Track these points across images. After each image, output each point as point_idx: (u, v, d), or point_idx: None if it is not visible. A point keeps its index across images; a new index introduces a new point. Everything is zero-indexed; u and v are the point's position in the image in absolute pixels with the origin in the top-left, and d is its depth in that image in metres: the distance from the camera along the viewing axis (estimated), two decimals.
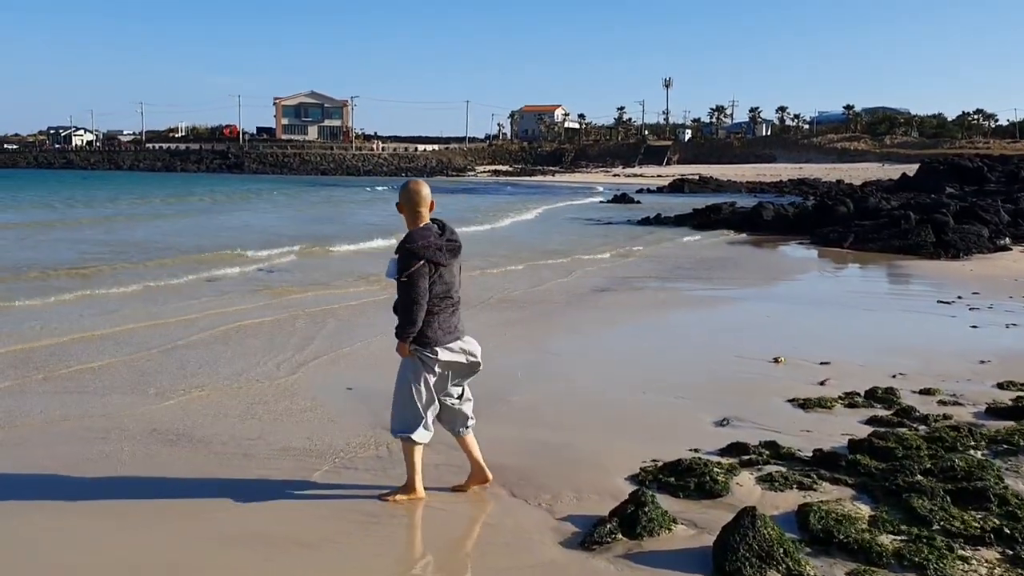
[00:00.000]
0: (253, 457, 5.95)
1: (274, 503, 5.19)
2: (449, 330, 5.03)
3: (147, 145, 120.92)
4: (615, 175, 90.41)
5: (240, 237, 23.20)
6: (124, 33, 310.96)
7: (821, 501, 5.14)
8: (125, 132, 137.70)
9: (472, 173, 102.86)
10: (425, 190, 5.04)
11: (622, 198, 44.70)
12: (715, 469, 5.62)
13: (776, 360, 8.99)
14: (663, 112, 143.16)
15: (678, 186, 56.99)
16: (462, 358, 5.14)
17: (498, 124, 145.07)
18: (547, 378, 8.38)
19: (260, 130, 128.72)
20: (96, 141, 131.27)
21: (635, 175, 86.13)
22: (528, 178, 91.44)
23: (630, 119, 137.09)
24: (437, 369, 5.04)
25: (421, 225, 4.98)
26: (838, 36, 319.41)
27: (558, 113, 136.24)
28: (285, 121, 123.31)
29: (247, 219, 32.45)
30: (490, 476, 5.43)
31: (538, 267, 17.34)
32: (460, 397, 5.30)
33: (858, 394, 7.66)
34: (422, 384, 5.04)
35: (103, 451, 6.09)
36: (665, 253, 20.28)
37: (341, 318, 11.34)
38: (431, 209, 5.06)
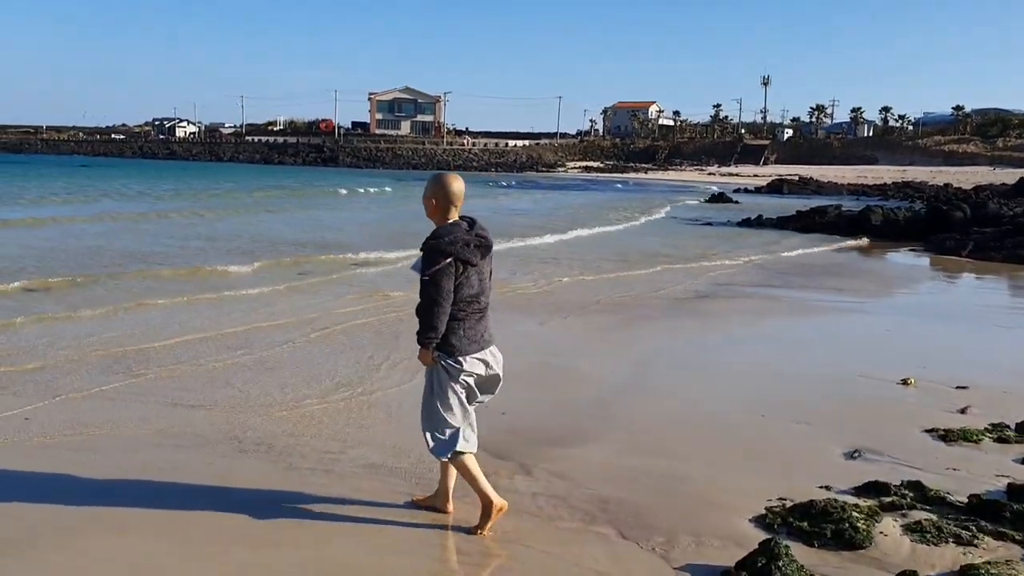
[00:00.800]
0: (335, 474, 5.46)
1: (355, 528, 4.69)
2: (475, 339, 4.56)
3: (247, 138, 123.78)
4: (710, 174, 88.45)
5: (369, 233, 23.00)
6: (227, 28, 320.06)
7: (988, 562, 4.37)
8: (226, 124, 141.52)
9: (562, 169, 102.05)
10: (459, 184, 4.58)
11: (720, 198, 43.42)
12: (854, 514, 4.88)
13: (905, 382, 8.11)
14: (761, 110, 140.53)
15: (777, 187, 55.16)
16: (487, 370, 4.68)
17: (590, 120, 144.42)
18: (652, 394, 7.71)
19: (355, 124, 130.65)
20: (199, 133, 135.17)
21: (730, 174, 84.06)
22: (620, 175, 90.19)
23: (726, 117, 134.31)
24: (463, 379, 4.57)
25: (449, 221, 4.53)
26: (947, 35, 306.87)
27: (652, 110, 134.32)
28: (379, 116, 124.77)
29: (372, 215, 32.35)
30: (451, 509, 4.89)
31: (633, 270, 16.60)
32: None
33: (1007, 426, 6.76)
34: (451, 395, 4.56)
35: (174, 460, 5.68)
36: (769, 257, 19.26)
37: None
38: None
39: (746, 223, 28.03)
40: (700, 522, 4.88)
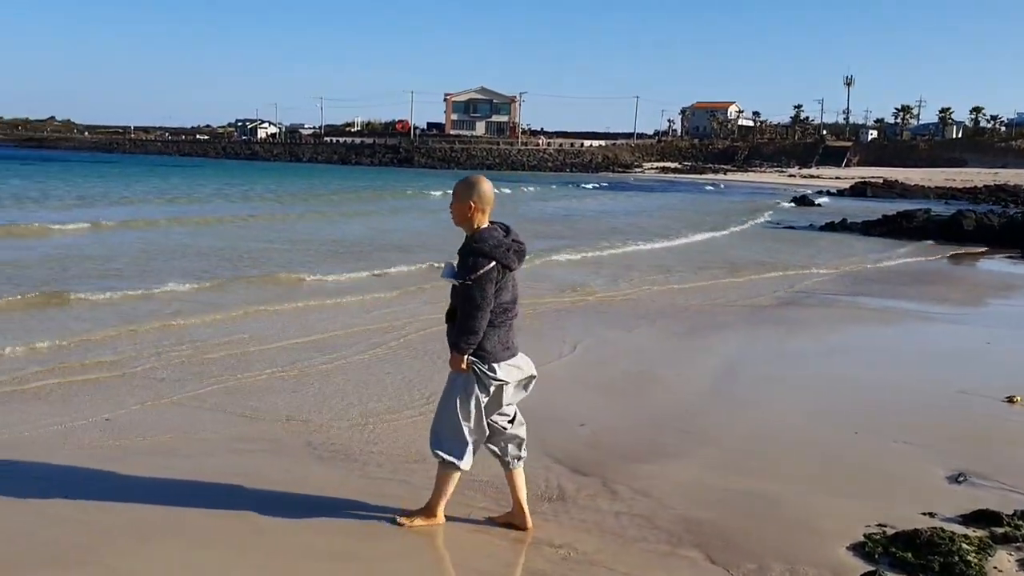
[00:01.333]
0: (412, 486, 5.29)
1: (430, 544, 4.53)
2: (507, 345, 4.49)
3: (325, 139, 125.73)
4: (790, 175, 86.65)
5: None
6: (307, 30, 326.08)
7: None
8: (306, 126, 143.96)
9: (639, 169, 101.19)
10: (491, 186, 4.51)
11: (802, 200, 42.44)
12: (964, 546, 4.53)
13: (1011, 399, 7.63)
14: (843, 111, 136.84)
15: (860, 189, 53.60)
16: (518, 376, 4.59)
17: (668, 120, 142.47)
18: (739, 407, 7.39)
19: (430, 125, 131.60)
20: (279, 134, 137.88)
21: (811, 176, 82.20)
22: (698, 176, 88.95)
23: (807, 118, 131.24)
24: (492, 388, 4.46)
25: (486, 225, 4.45)
26: None
27: (731, 110, 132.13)
28: (454, 116, 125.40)
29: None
30: (530, 525, 4.71)
31: (714, 275, 16.19)
32: (513, 420, 4.71)
33: None
34: (472, 404, 4.47)
35: (248, 465, 5.60)
36: (855, 263, 18.60)
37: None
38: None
39: (829, 227, 27.20)
40: (794, 548, 4.59)
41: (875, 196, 50.42)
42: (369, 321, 10.51)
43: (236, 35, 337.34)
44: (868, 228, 26.27)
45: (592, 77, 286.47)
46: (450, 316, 4.45)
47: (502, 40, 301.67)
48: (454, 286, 4.38)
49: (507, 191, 45.63)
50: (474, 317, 4.30)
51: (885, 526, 4.84)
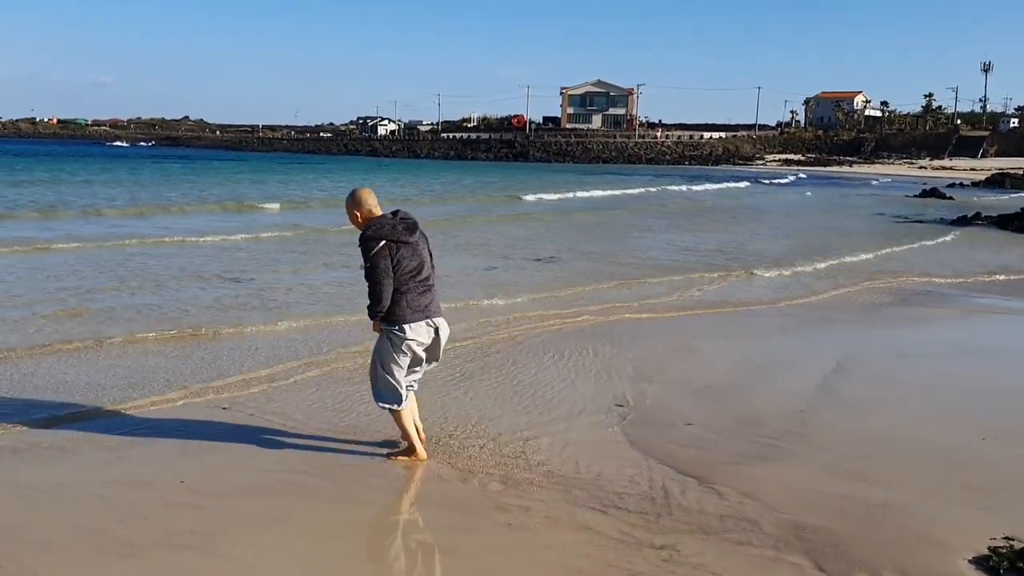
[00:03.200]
0: (513, 483, 5.30)
1: (530, 543, 4.50)
2: (418, 308, 5.22)
3: (442, 135, 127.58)
4: (920, 167, 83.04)
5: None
6: (426, 27, 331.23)
7: None
8: (424, 122, 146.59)
9: (761, 162, 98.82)
10: (367, 192, 5.34)
11: (932, 193, 40.60)
12: None
13: None
14: (980, 99, 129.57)
15: (997, 181, 50.91)
16: (428, 338, 5.34)
17: (791, 111, 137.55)
18: (853, 408, 7.08)
19: (546, 119, 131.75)
20: (398, 130, 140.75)
21: (944, 168, 78.53)
22: (822, 168, 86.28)
23: (940, 107, 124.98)
24: (404, 347, 5.26)
25: (377, 215, 5.27)
26: None
27: (858, 100, 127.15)
28: (570, 110, 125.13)
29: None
30: (424, 456, 5.55)
31: (831, 270, 15.61)
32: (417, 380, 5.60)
33: None
34: (391, 360, 5.29)
35: (358, 459, 5.72)
36: (986, 259, 17.63)
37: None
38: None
39: (961, 221, 25.90)
40: (910, 558, 4.37)
41: (1015, 188, 47.74)
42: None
43: (357, 34, 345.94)
44: (1004, 222, 24.86)
45: (712, 68, 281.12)
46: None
47: (619, 32, 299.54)
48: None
49: (679, 187, 45.05)
50: (375, 290, 5.11)
51: (1013, 540, 4.55)
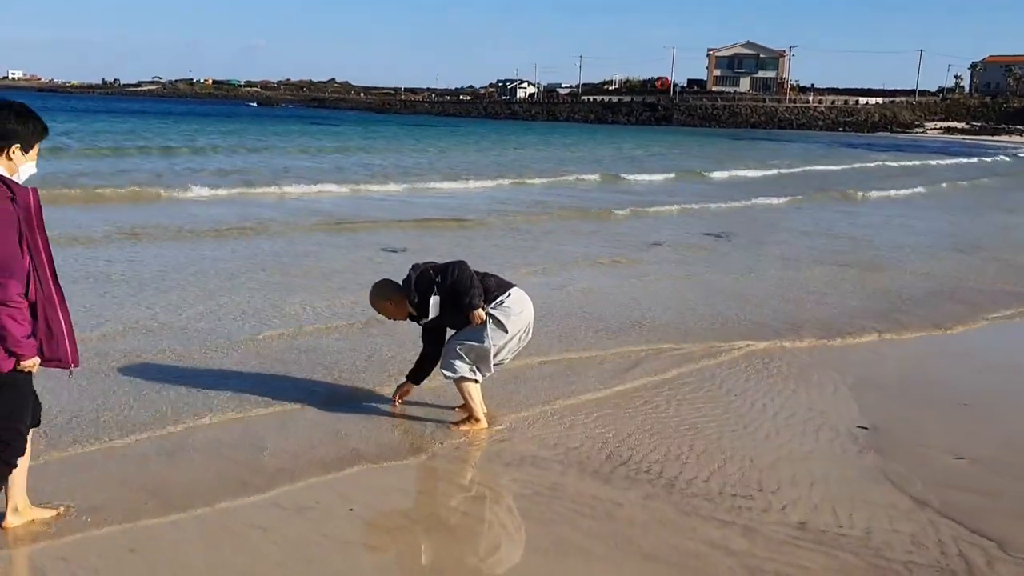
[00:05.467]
0: (758, 535, 4.16)
1: None
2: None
3: (582, 98, 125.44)
4: None
5: None
6: None
7: None
8: (563, 85, 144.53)
9: (920, 130, 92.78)
10: (385, 286, 5.47)
11: None
12: None
13: None
14: None
15: None
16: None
17: (955, 76, 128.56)
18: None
19: (691, 82, 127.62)
20: (537, 94, 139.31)
21: None
22: (989, 137, 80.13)
23: None
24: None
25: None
26: None
27: None
28: (717, 72, 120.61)
29: None
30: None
31: (988, 261, 13.63)
32: None
33: None
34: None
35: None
36: None
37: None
38: None
39: None
40: None
41: None
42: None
43: None
44: None
45: (869, 29, 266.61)
46: None
47: None
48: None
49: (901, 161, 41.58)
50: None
51: None
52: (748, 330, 8.14)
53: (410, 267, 5.42)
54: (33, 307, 3.47)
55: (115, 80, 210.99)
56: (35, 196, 3.50)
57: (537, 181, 24.61)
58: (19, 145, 3.51)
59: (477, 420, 5.42)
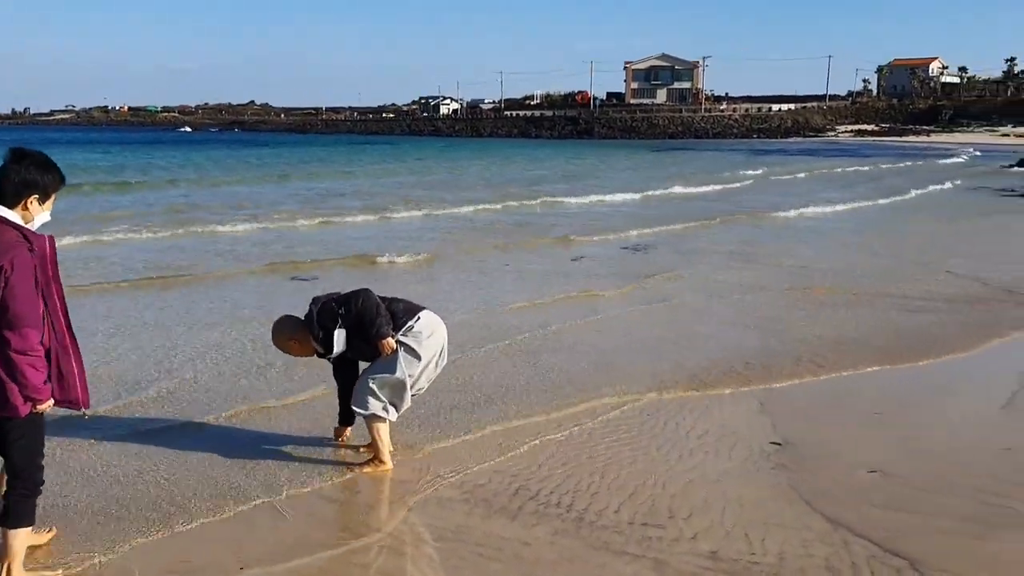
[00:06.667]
0: (669, 567, 4.00)
1: None
2: None
3: (505, 113, 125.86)
4: (1003, 135, 79.09)
5: None
6: (488, 7, 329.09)
7: None
8: (486, 101, 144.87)
9: (832, 133, 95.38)
10: (289, 324, 5.17)
11: None
12: None
13: None
14: None
15: None
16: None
17: (863, 80, 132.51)
18: None
19: (610, 95, 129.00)
20: (460, 110, 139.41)
21: None
22: (898, 138, 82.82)
23: (1022, 72, 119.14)
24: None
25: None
26: None
27: (934, 67, 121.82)
28: (635, 85, 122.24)
29: None
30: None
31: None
32: None
33: None
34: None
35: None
36: None
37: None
38: None
39: None
40: None
41: None
42: None
43: (418, 15, 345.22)
44: None
45: (780, 38, 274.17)
46: None
47: (683, 4, 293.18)
48: None
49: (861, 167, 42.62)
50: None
51: None
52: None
53: (310, 301, 5.11)
54: (47, 352, 3.51)
55: (25, 109, 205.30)
56: (51, 244, 3.51)
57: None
58: (38, 196, 3.52)
59: (382, 462, 5.13)
